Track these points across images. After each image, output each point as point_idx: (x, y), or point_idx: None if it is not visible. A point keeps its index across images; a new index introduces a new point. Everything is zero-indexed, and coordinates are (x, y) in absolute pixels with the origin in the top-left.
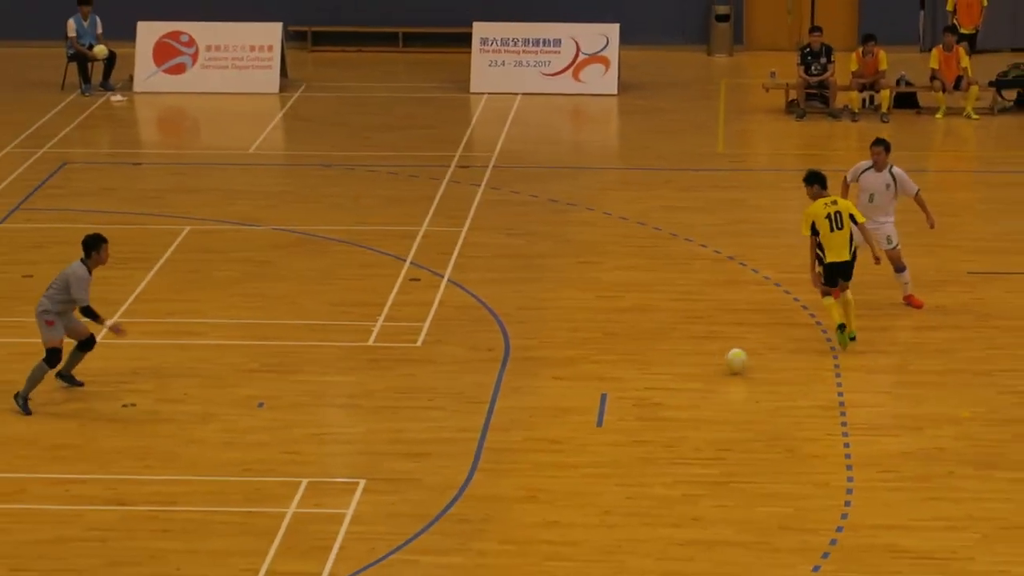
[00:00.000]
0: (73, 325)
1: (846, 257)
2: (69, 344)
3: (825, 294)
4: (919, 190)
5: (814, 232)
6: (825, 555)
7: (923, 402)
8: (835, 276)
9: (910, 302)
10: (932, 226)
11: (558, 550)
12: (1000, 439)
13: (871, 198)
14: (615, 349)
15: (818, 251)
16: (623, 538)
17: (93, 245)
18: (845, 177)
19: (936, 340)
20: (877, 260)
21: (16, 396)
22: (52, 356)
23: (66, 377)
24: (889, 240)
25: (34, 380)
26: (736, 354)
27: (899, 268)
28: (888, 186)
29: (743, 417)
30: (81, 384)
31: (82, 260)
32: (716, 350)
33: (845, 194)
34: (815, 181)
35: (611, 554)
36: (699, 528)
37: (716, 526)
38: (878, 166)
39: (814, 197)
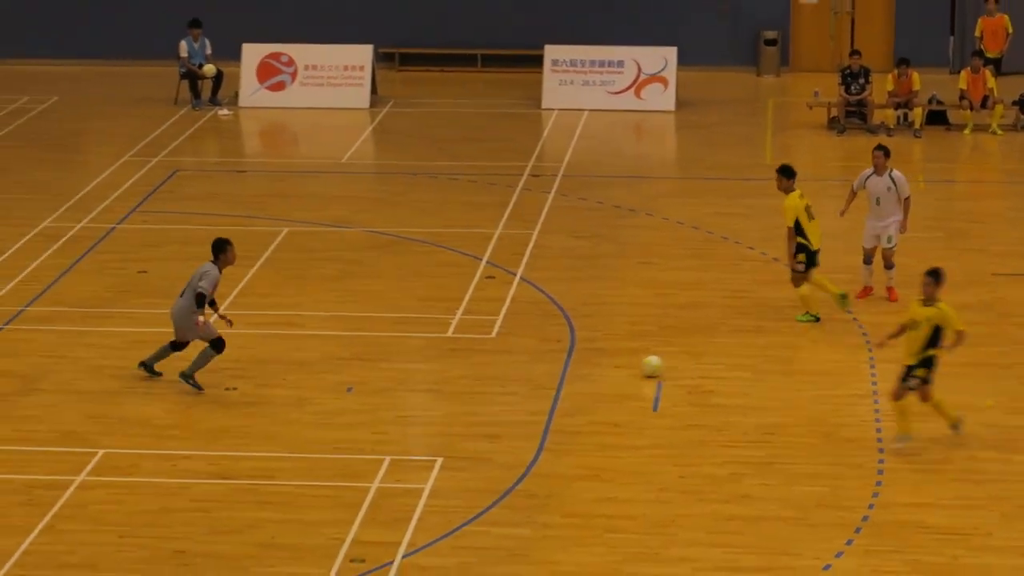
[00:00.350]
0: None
1: (820, 241)
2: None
3: (802, 283)
4: (910, 196)
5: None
6: (858, 530)
7: (949, 392)
8: (812, 261)
9: (890, 295)
10: (904, 230)
11: (617, 523)
12: (1020, 425)
13: (877, 201)
14: (671, 341)
15: (801, 239)
16: (677, 513)
17: (221, 247)
18: (852, 186)
19: None
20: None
21: (183, 375)
22: (217, 344)
23: (148, 367)
24: (889, 240)
25: (200, 363)
26: (648, 360)
27: (889, 265)
28: (890, 188)
29: (786, 404)
30: (159, 374)
31: (212, 261)
32: (763, 343)
33: (850, 201)
34: (792, 175)
35: (665, 527)
36: (745, 504)
37: (761, 503)
38: (879, 170)
39: (787, 190)
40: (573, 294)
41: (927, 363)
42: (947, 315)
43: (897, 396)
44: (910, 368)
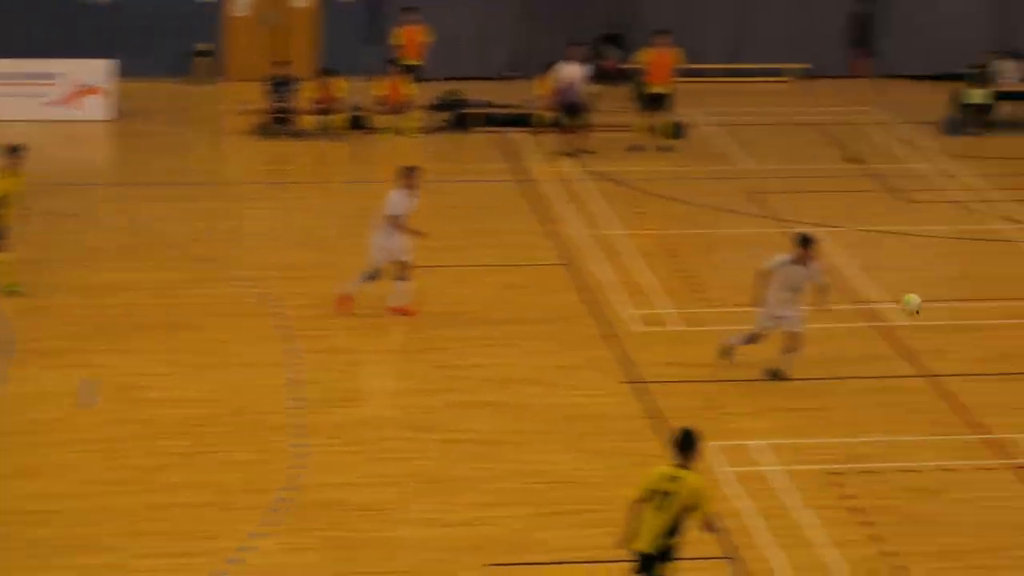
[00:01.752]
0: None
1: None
2: None
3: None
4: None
5: None
6: (275, 510)
7: (368, 377)
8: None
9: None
10: None
11: (43, 517)
12: (431, 406)
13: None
14: (105, 341)
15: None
16: (103, 504)
17: None
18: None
19: (369, 325)
20: None
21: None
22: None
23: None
24: None
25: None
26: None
27: None
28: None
29: (213, 396)
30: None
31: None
32: (191, 339)
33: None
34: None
35: (92, 518)
36: (170, 493)
37: (185, 490)
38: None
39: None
40: (9, 300)
41: None
42: None
43: None
44: None
